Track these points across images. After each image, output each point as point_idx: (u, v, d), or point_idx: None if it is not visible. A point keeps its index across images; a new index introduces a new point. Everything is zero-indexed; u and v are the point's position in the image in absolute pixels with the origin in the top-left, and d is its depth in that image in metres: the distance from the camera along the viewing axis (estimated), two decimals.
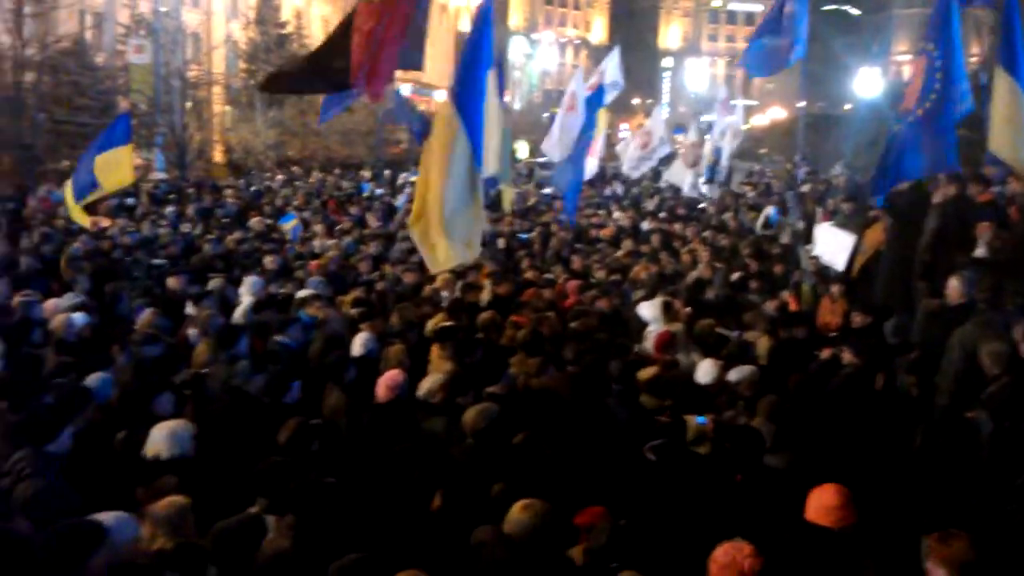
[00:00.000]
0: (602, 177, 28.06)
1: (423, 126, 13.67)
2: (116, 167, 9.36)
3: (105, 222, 15.99)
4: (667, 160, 23.03)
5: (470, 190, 8.09)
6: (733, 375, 7.32)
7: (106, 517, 4.28)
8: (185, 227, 15.97)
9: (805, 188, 22.94)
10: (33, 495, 4.66)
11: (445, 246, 8.06)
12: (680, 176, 21.67)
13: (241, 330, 8.00)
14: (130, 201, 18.17)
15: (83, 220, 12.63)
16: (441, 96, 51.62)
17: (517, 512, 4.67)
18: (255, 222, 16.57)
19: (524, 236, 16.35)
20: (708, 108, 59.12)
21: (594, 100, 16.36)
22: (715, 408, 6.94)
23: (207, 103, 33.86)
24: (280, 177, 28.43)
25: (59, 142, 28.23)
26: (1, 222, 16.06)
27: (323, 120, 15.55)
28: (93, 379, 6.67)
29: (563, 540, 4.76)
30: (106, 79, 30.50)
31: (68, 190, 12.22)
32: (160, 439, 5.58)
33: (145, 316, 8.62)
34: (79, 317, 8.56)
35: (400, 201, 21.63)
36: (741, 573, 4.08)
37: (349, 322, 9.10)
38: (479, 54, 8.26)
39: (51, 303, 9.48)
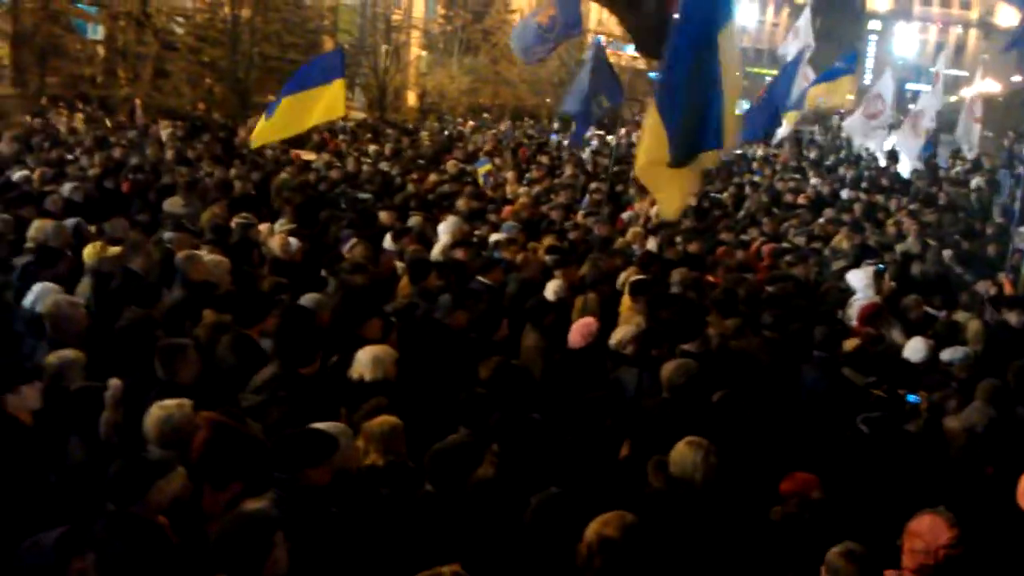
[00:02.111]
0: (798, 142, 27.07)
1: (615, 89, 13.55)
2: (329, 99, 9.69)
3: (310, 156, 16.76)
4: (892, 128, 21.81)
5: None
6: (946, 355, 6.97)
7: (332, 427, 4.54)
8: (383, 165, 16.51)
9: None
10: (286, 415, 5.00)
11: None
12: (910, 146, 20.34)
13: (438, 266, 8.22)
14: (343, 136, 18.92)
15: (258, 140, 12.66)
16: (631, 50, 50.86)
17: (681, 447, 4.67)
18: (450, 165, 16.97)
19: (716, 195, 16.03)
20: (915, 76, 55.56)
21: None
22: (922, 387, 6.62)
23: (405, 47, 34.71)
24: (471, 123, 28.94)
25: (267, 77, 29.58)
26: (216, 148, 17.15)
27: (529, 62, 15.67)
28: (308, 299, 7.03)
29: (748, 491, 4.70)
30: (314, 18, 31.66)
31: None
32: (365, 362, 5.82)
33: (353, 246, 8.99)
34: (293, 241, 9.02)
35: (586, 154, 21.59)
36: (936, 549, 3.91)
37: (542, 268, 9.20)
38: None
39: (264, 226, 10.04)
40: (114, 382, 4.97)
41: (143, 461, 4.03)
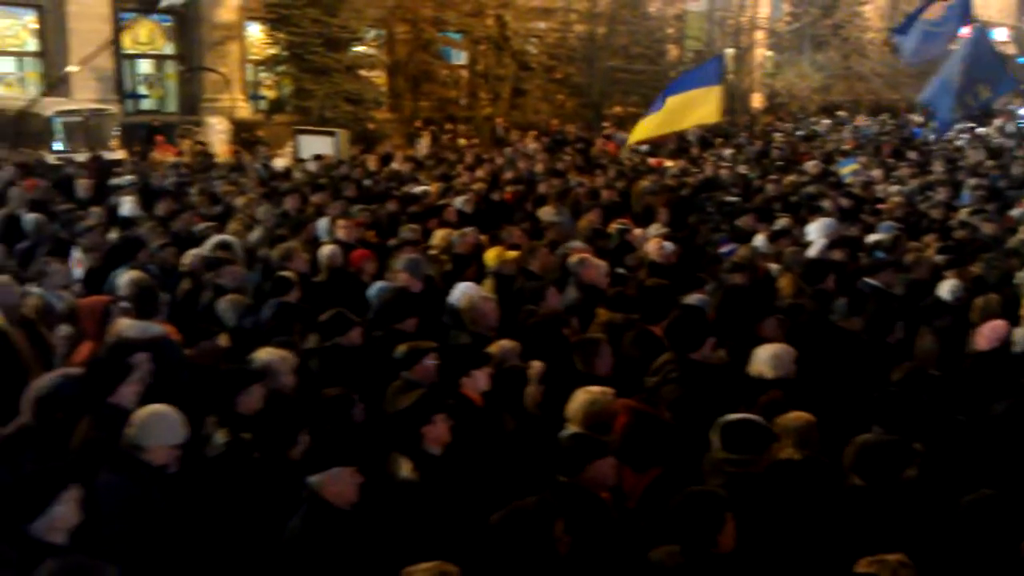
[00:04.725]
0: None
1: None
2: (706, 104, 9.90)
3: (667, 162, 17.12)
4: None
5: None
6: None
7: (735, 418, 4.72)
8: (741, 169, 16.48)
9: None
10: (680, 397, 5.26)
11: None
12: None
13: (828, 267, 8.12)
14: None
15: (634, 137, 13.08)
16: (1002, 35, 46.35)
17: None
18: (810, 165, 16.57)
19: None
20: None
21: None
22: None
23: (749, 49, 34.21)
24: (826, 121, 27.92)
25: (613, 88, 30.46)
26: (579, 160, 18.05)
27: (913, 63, 14.89)
28: (693, 299, 7.26)
29: None
30: (660, 28, 32.09)
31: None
32: (764, 359, 5.90)
33: (736, 250, 9.16)
34: (668, 244, 9.33)
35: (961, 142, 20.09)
36: None
37: (932, 268, 8.78)
38: None
39: (638, 231, 10.44)
40: (536, 363, 5.52)
41: (586, 440, 4.42)
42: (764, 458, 4.35)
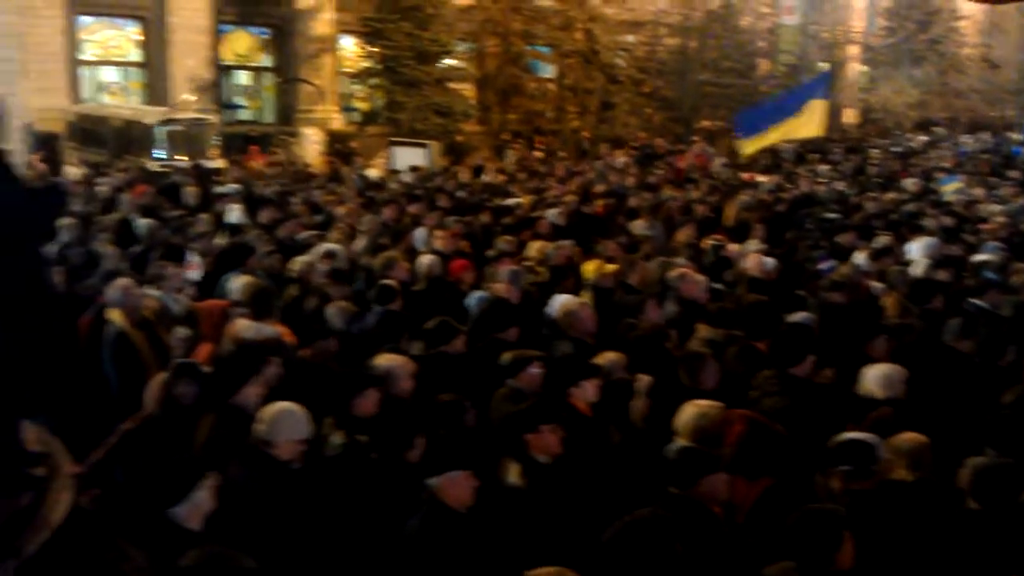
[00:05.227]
0: None
1: None
2: (806, 118, 9.84)
3: (760, 178, 16.94)
4: None
5: None
6: None
7: (849, 436, 4.69)
8: (838, 185, 16.24)
9: None
10: (780, 410, 5.25)
11: None
12: None
13: (936, 287, 7.99)
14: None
15: (746, 150, 13.12)
16: None
17: None
18: (909, 183, 16.24)
19: None
20: None
21: None
22: None
23: (843, 63, 33.60)
24: (922, 138, 27.27)
25: (702, 102, 30.21)
26: (670, 174, 18.00)
27: None
28: (798, 317, 7.20)
29: None
30: (751, 41, 31.74)
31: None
32: (874, 379, 5.86)
33: (835, 267, 9.05)
34: (768, 260, 9.25)
35: None
36: None
37: None
38: None
39: (734, 247, 10.37)
40: (644, 377, 5.56)
41: (699, 454, 4.43)
42: (877, 477, 4.29)
